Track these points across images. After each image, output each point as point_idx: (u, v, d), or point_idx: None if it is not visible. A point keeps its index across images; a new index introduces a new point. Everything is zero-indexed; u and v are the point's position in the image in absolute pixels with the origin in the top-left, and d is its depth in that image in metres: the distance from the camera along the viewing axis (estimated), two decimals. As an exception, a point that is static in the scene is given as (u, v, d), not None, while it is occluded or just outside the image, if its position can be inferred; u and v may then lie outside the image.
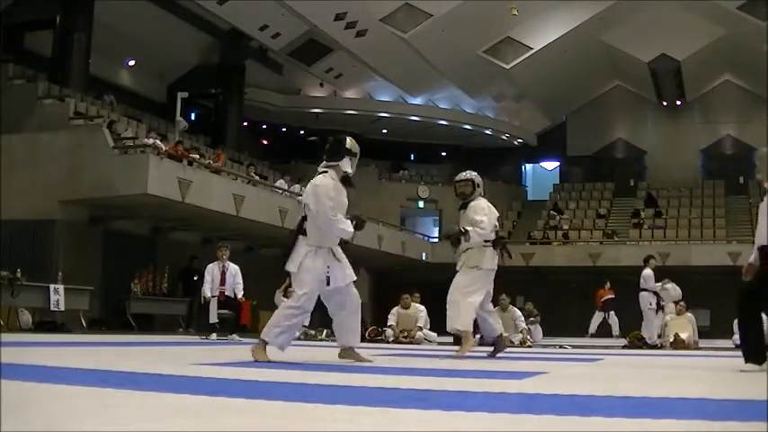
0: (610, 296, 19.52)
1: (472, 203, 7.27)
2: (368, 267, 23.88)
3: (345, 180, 6.02)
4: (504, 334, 12.10)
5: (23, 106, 15.86)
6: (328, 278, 5.81)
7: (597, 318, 19.38)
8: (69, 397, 3.06)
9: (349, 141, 6.13)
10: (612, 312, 19.27)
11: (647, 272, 12.70)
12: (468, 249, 7.18)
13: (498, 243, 7.31)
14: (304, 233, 5.90)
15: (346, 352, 6.11)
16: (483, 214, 7.13)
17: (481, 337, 11.03)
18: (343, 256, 5.99)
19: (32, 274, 12.81)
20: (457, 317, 7.03)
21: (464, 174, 7.56)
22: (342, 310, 6.03)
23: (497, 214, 7.45)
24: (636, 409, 3.06)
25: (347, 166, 6.02)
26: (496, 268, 7.34)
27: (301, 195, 17.53)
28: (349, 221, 5.94)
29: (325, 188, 5.84)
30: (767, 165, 5.87)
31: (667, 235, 26.22)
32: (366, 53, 24.90)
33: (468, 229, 7.09)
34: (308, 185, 6.07)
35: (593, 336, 18.71)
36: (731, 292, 14.34)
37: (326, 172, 6.00)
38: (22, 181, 14.30)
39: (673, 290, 12.66)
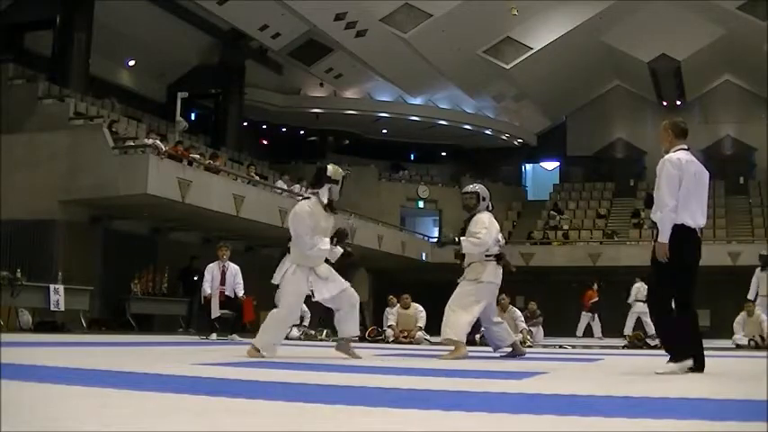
0: (597, 298, 19.57)
1: (475, 217, 7.29)
2: (368, 267, 23.89)
3: (329, 206, 6.54)
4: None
5: (23, 106, 15.85)
6: (312, 291, 6.46)
7: (585, 319, 19.41)
8: (69, 397, 3.06)
9: (330, 169, 6.63)
10: (596, 315, 19.31)
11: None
12: (471, 263, 7.22)
13: (501, 258, 7.34)
14: (289, 251, 6.54)
15: (341, 345, 6.75)
16: (482, 227, 7.17)
17: (481, 336, 11.05)
18: (329, 272, 6.51)
19: (32, 274, 12.81)
20: (449, 327, 7.06)
21: (470, 186, 7.62)
22: (339, 310, 6.66)
23: (498, 228, 7.46)
24: (636, 409, 3.07)
25: (325, 193, 6.53)
26: (499, 283, 7.38)
27: (301, 196, 17.71)
28: (327, 240, 6.42)
29: (300, 215, 6.43)
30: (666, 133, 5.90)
31: (667, 235, 26.18)
32: (366, 53, 24.89)
33: (462, 239, 7.13)
34: (291, 210, 6.69)
35: (579, 338, 18.76)
36: (731, 292, 14.34)
37: (309, 198, 6.56)
38: (22, 181, 14.29)
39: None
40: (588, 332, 19.27)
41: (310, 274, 6.45)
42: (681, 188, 5.13)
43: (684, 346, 5.07)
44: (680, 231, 5.11)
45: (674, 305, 5.20)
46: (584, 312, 19.53)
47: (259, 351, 6.30)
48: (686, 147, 5.38)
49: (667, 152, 5.36)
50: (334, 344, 7.07)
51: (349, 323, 6.73)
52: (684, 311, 5.25)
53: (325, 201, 6.53)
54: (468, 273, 7.24)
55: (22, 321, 12.46)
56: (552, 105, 31.17)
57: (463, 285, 7.24)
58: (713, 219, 27.51)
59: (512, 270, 7.58)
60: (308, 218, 6.38)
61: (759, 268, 13.10)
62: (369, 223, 21.97)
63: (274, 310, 6.56)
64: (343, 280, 6.62)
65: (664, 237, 5.09)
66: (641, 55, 27.29)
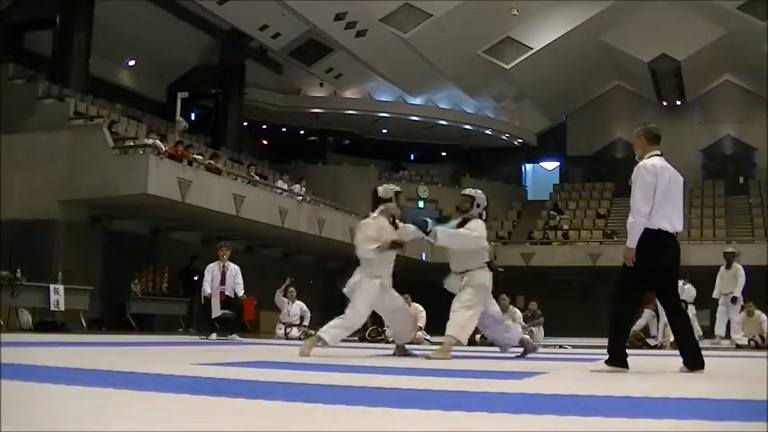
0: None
1: (469, 222, 7.30)
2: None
3: (393, 222, 7.25)
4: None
5: (23, 106, 15.85)
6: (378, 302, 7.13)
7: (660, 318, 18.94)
8: (69, 397, 3.06)
9: (381, 190, 7.38)
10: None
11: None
12: (467, 270, 7.25)
13: (492, 267, 7.49)
14: (359, 263, 7.15)
15: (399, 349, 7.41)
16: (477, 230, 7.26)
17: (482, 336, 11.06)
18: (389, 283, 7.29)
19: (32, 274, 12.80)
20: (453, 324, 7.08)
21: (469, 189, 7.72)
22: (393, 320, 7.60)
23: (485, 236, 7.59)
24: (636, 409, 3.07)
25: (380, 212, 7.24)
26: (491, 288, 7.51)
27: (301, 195, 17.89)
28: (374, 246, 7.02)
29: (366, 224, 7.20)
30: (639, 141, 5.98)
31: (667, 235, 26.19)
32: (366, 53, 24.90)
33: (462, 231, 7.18)
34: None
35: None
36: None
37: (376, 217, 7.25)
38: (22, 181, 14.29)
39: (690, 290, 12.81)
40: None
41: (380, 284, 7.04)
42: (656, 194, 5.17)
43: (623, 354, 5.22)
44: (657, 236, 5.15)
45: (663, 308, 5.29)
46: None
47: (319, 340, 6.75)
48: (660, 152, 5.41)
49: (641, 158, 5.41)
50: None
51: (403, 331, 7.53)
52: (678, 313, 5.33)
53: (388, 218, 7.18)
54: (468, 280, 7.24)
55: (22, 321, 12.46)
56: (552, 105, 31.17)
57: (463, 291, 7.23)
58: (713, 219, 27.53)
59: (499, 271, 7.79)
60: (373, 229, 7.03)
61: (723, 267, 13.15)
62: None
63: (347, 312, 7.01)
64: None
65: (632, 242, 5.15)
66: (641, 55, 27.29)
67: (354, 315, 7.04)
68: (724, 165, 30.77)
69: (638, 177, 5.23)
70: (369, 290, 7.04)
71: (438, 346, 7.25)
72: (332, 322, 7.01)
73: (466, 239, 7.13)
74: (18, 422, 2.33)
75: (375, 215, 7.22)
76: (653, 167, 5.23)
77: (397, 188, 7.51)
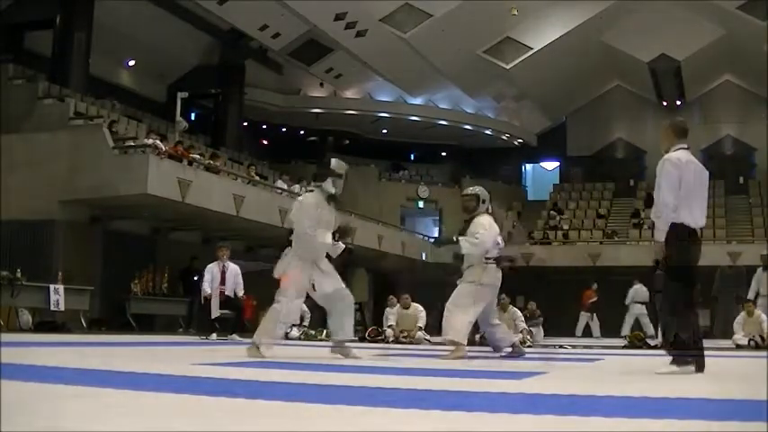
0: (595, 298, 19.60)
1: (475, 219, 7.28)
2: (368, 267, 23.87)
3: (331, 199, 6.60)
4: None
5: (23, 106, 15.84)
6: (313, 285, 6.48)
7: (583, 319, 19.49)
8: (69, 397, 3.06)
9: (334, 162, 6.74)
10: (595, 314, 19.36)
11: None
12: (470, 266, 7.21)
13: (500, 261, 7.35)
14: (290, 244, 6.55)
15: (337, 347, 6.68)
16: (482, 229, 7.18)
17: (482, 336, 11.06)
18: (329, 267, 6.57)
19: (32, 274, 12.80)
20: (450, 327, 7.07)
21: (470, 189, 7.63)
22: (334, 310, 6.63)
23: (498, 231, 7.45)
24: (636, 409, 3.07)
25: (330, 186, 6.58)
26: (499, 285, 7.37)
27: (301, 195, 17.74)
28: (329, 234, 6.44)
29: (307, 206, 6.51)
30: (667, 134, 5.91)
31: (667, 235, 26.20)
32: (366, 53, 24.89)
33: (461, 238, 7.14)
34: (294, 202, 6.83)
35: (578, 338, 18.79)
36: (731, 291, 14.23)
37: (313, 191, 6.67)
38: (21, 181, 14.28)
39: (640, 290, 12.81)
40: (587, 332, 19.30)
41: (313, 268, 6.46)
42: (681, 188, 5.06)
43: (688, 350, 5.00)
44: (680, 230, 5.05)
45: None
46: (582, 312, 19.57)
47: (259, 349, 6.35)
48: (686, 146, 5.31)
49: (667, 152, 5.29)
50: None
51: (345, 325, 6.66)
52: (686, 311, 5.20)
53: (332, 191, 6.58)
54: (467, 275, 7.22)
55: (22, 321, 12.45)
56: (552, 105, 31.16)
57: (461, 287, 7.23)
58: (713, 219, 27.50)
59: (516, 269, 7.64)
60: (313, 210, 6.44)
61: (761, 268, 13.09)
62: (369, 223, 21.96)
63: (275, 305, 6.51)
64: (339, 280, 6.64)
65: (660, 235, 5.05)
66: (641, 55, 27.28)
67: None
68: (724, 165, 30.73)
69: (662, 170, 5.12)
70: None
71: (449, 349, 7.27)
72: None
73: (477, 244, 7.14)
74: (18, 422, 2.33)
75: (317, 192, 6.66)
76: (678, 160, 5.14)
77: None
